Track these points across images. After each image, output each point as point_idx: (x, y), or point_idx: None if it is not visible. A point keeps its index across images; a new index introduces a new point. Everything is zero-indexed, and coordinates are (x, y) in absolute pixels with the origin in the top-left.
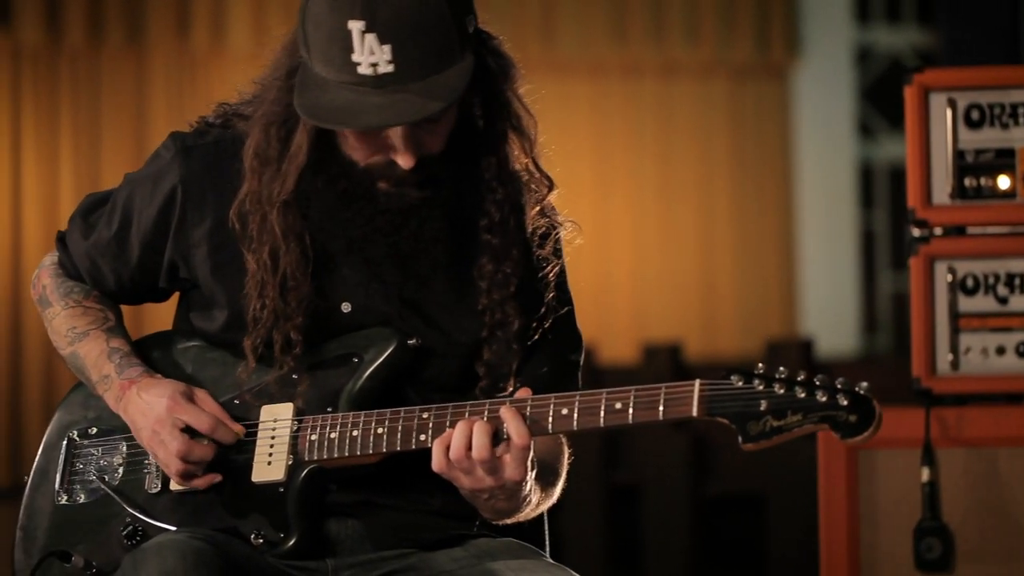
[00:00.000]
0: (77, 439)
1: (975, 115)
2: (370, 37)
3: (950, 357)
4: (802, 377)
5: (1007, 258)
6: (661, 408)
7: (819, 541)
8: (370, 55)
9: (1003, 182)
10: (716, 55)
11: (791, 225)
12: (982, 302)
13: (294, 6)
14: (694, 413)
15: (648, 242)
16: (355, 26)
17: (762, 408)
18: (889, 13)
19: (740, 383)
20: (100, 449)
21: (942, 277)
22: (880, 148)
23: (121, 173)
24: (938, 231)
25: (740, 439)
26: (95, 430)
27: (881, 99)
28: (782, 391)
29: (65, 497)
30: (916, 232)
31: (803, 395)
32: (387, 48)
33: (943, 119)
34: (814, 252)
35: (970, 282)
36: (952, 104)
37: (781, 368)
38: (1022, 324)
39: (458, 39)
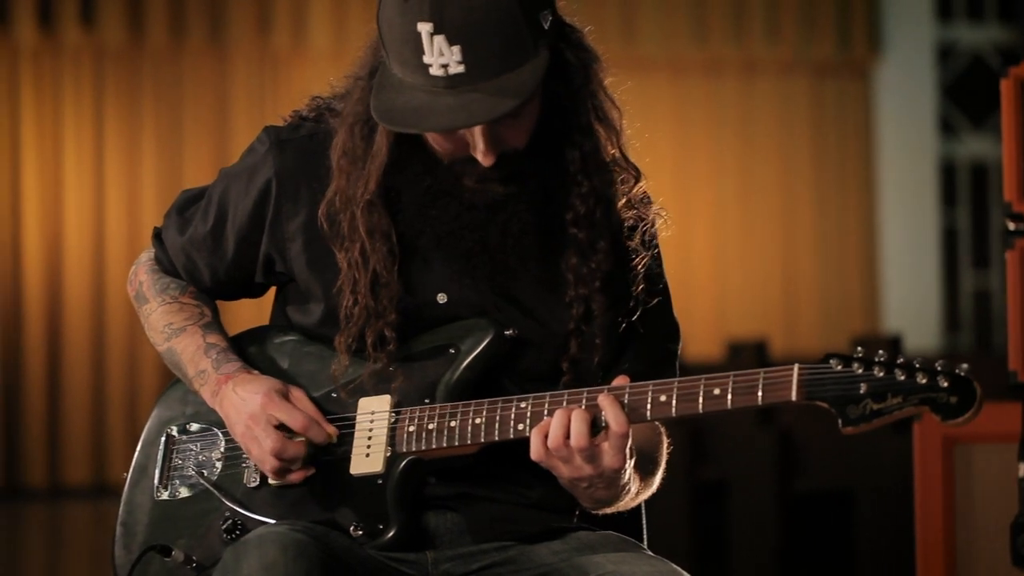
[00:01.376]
0: (176, 435)
1: None
2: (439, 39)
3: None
4: (901, 360)
5: None
6: (760, 393)
7: (915, 537)
8: (440, 56)
9: None
10: (797, 53)
11: (873, 223)
12: None
13: (374, 5)
14: (793, 397)
15: (730, 240)
16: (424, 28)
17: (862, 391)
18: (971, 10)
19: (839, 367)
20: (199, 444)
21: None
22: (962, 145)
23: (203, 172)
24: None
25: (840, 423)
26: (194, 425)
27: (963, 96)
28: (882, 374)
29: (165, 492)
30: (1012, 226)
31: (903, 377)
32: (456, 49)
33: None
34: (896, 250)
35: None
36: None
37: (880, 351)
38: None
39: (530, 35)
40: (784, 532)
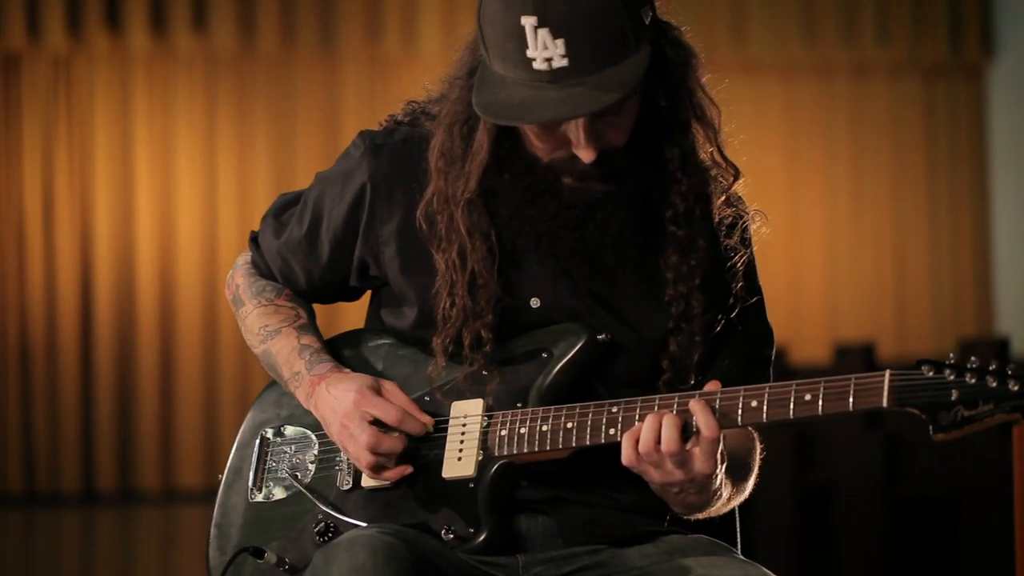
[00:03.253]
0: (270, 437)
1: None
2: (543, 32)
3: None
4: (994, 366)
5: None
6: (851, 399)
7: (1015, 541)
8: (544, 50)
9: None
10: (908, 55)
11: (985, 225)
12: None
13: None
14: (884, 404)
15: (840, 242)
16: (528, 22)
17: (953, 398)
18: None
19: (931, 373)
20: (292, 447)
21: None
22: None
23: (314, 177)
24: None
25: (931, 429)
26: (288, 428)
27: None
28: (973, 380)
29: (259, 494)
30: None
31: (995, 384)
32: (560, 42)
33: None
34: (1008, 252)
35: None
36: None
37: (972, 358)
38: None
39: (632, 30)
40: (889, 536)
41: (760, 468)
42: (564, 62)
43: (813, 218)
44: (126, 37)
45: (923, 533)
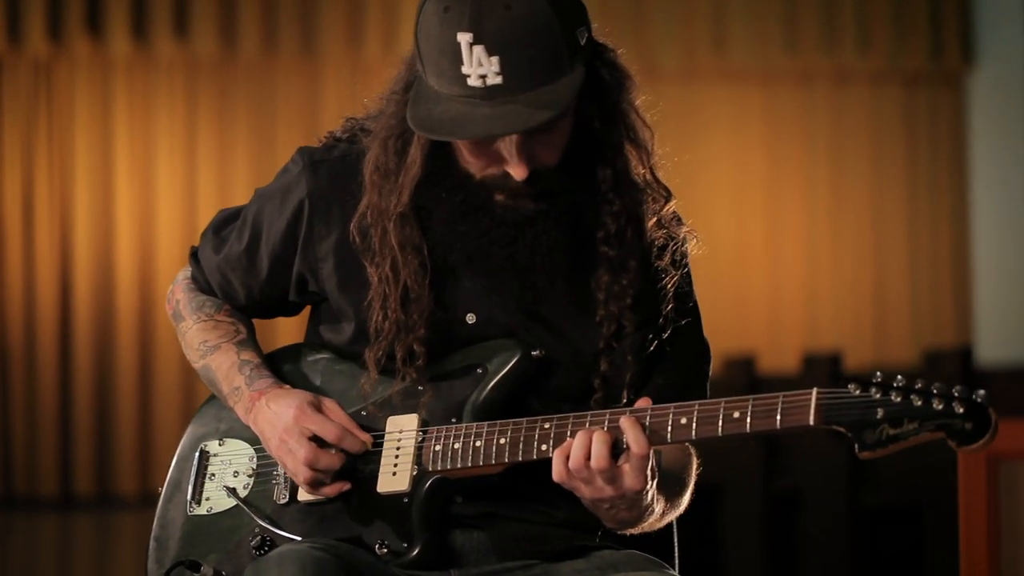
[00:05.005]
0: (210, 450)
1: None
2: (478, 49)
3: None
4: (919, 385)
5: None
6: (778, 417)
7: (959, 555)
8: (479, 67)
9: None
10: (889, 62)
11: (965, 234)
12: None
13: None
14: (811, 422)
15: (820, 250)
16: (464, 38)
17: (878, 416)
18: None
19: (857, 391)
20: (231, 460)
21: None
22: None
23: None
24: None
25: (856, 447)
26: (227, 441)
27: None
28: (899, 399)
29: (197, 508)
30: None
31: (919, 403)
32: (495, 60)
33: None
34: (987, 261)
35: None
36: None
37: (899, 376)
38: None
39: (567, 51)
40: (855, 545)
41: (727, 474)
42: (498, 79)
43: (793, 225)
44: (107, 42)
45: (889, 540)
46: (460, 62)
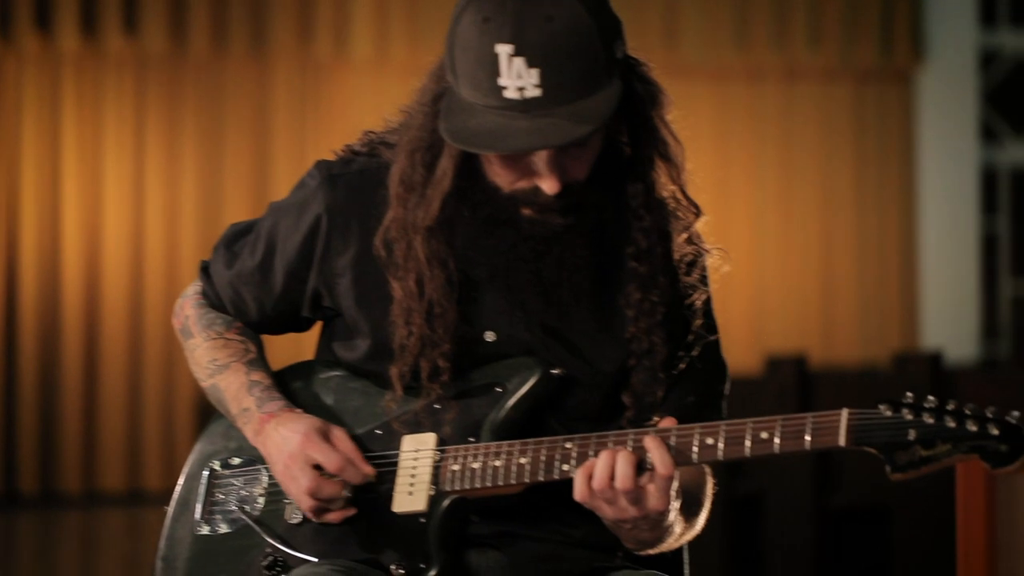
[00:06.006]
0: (219, 469)
1: None
2: (518, 61)
3: None
4: (951, 406)
5: None
6: (808, 438)
7: (956, 570)
8: (517, 79)
9: None
10: (839, 59)
11: (913, 230)
12: None
13: (419, 15)
14: (842, 443)
15: (768, 247)
16: (503, 50)
17: (911, 438)
18: (1014, 15)
19: (889, 412)
20: (241, 479)
21: None
22: (1004, 152)
23: (243, 181)
24: None
25: (888, 469)
26: (236, 460)
27: (1006, 103)
28: (931, 420)
29: (206, 527)
30: None
31: (953, 424)
32: (535, 72)
33: None
34: (935, 256)
35: None
36: None
37: (930, 397)
38: None
39: (606, 64)
40: (819, 547)
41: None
42: (537, 92)
43: (741, 223)
44: (56, 38)
45: (854, 544)
46: (497, 73)
